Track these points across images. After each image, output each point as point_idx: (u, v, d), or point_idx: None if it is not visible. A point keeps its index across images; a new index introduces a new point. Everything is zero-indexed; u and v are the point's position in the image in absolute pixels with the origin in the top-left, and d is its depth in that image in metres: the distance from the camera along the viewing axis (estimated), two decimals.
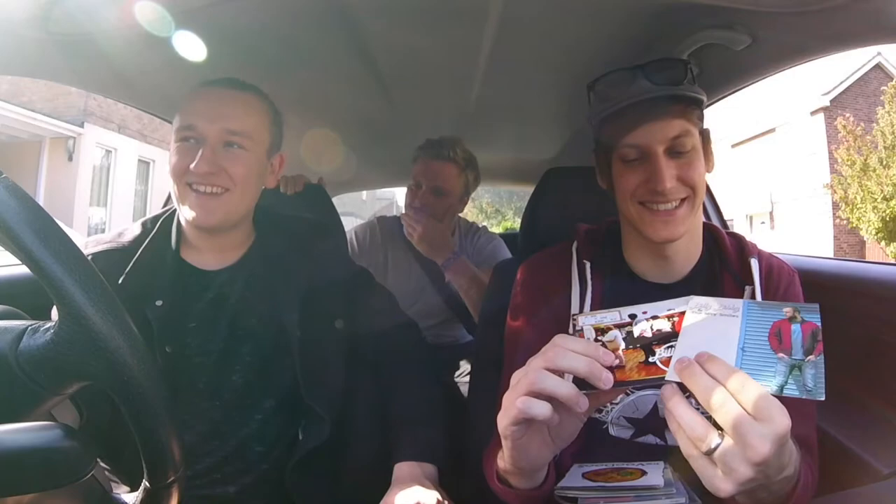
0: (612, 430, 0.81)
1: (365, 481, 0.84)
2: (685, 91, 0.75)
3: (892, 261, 10.33)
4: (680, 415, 0.46)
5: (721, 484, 0.45)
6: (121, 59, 0.93)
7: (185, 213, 0.83)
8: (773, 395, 0.47)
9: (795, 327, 0.51)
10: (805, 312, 0.52)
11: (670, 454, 0.75)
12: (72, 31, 0.79)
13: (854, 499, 0.63)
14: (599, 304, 0.80)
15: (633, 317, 0.57)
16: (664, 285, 0.81)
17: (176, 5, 0.79)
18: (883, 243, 11.04)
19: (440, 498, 0.71)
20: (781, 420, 0.44)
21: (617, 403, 0.79)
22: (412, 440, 0.82)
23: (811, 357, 0.50)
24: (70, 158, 10.03)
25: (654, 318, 0.56)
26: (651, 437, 0.79)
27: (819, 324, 0.51)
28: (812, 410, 0.75)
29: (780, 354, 0.51)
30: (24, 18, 0.74)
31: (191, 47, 0.92)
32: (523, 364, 0.58)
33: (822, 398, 0.47)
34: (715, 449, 0.44)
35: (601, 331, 0.57)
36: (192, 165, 0.80)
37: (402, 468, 0.79)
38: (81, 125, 10.10)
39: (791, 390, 0.49)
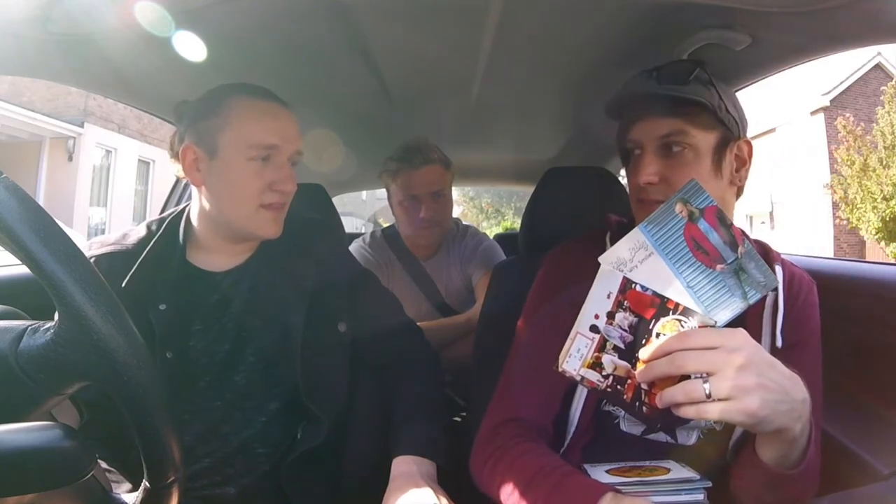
0: (624, 426, 0.80)
1: (364, 482, 0.84)
2: (673, 91, 0.73)
3: (892, 261, 10.33)
4: (672, 396, 0.51)
5: (747, 403, 0.49)
6: (121, 59, 0.93)
7: (256, 228, 0.84)
8: (742, 307, 0.50)
9: (703, 225, 0.50)
10: (693, 198, 0.50)
11: (678, 453, 0.75)
12: (72, 31, 0.79)
13: (854, 499, 0.62)
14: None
15: (595, 329, 0.54)
16: None
17: (176, 5, 0.79)
18: (883, 243, 11.03)
19: (436, 496, 0.70)
20: (737, 335, 0.49)
21: None
22: (411, 435, 0.82)
23: (740, 249, 0.49)
24: (70, 158, 10.03)
25: (618, 309, 0.53)
26: (662, 434, 0.79)
27: (713, 199, 0.49)
28: (816, 410, 0.74)
29: (719, 266, 0.50)
30: (24, 18, 0.73)
31: (191, 47, 0.92)
32: (537, 345, 0.57)
33: (777, 285, 0.49)
34: (709, 392, 0.49)
35: (596, 366, 0.53)
36: (284, 187, 0.83)
37: (398, 465, 0.78)
38: (81, 125, 10.10)
39: (754, 296, 0.50)
